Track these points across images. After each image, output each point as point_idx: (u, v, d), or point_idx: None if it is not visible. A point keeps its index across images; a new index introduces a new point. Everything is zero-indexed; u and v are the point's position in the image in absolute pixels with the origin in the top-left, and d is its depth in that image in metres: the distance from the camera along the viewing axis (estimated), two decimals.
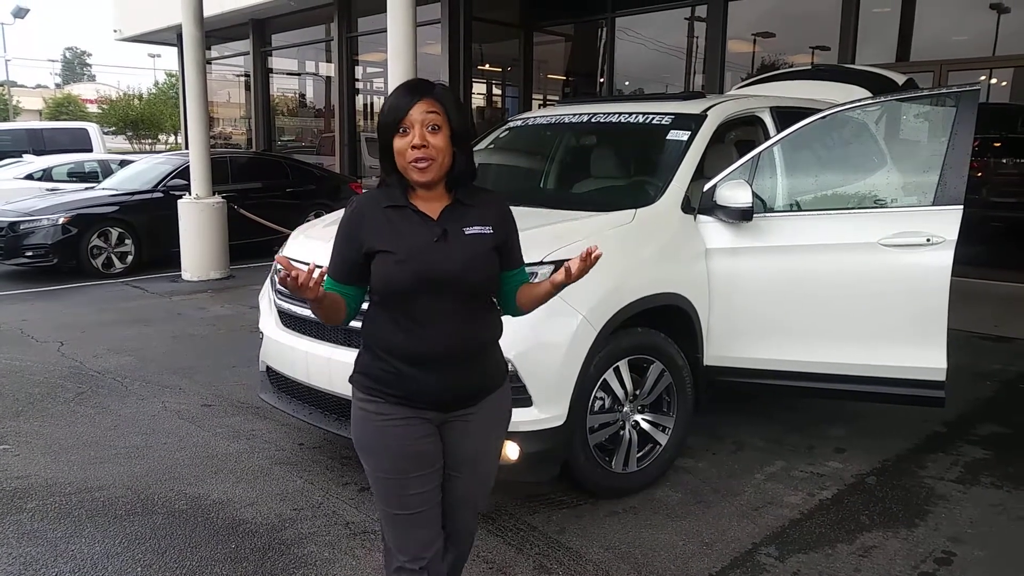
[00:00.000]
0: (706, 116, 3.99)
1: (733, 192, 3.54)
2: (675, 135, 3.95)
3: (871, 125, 3.89)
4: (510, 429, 2.97)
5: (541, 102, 13.01)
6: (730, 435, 4.13)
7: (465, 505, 2.08)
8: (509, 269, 2.02)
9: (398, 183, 1.90)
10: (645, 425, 3.46)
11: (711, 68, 10.16)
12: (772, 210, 3.68)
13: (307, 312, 3.46)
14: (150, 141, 39.23)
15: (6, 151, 12.96)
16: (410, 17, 6.22)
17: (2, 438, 4.08)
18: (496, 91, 14.52)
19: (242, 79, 18.10)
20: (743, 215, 3.54)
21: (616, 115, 4.31)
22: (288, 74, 17.77)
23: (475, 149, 5.07)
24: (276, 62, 17.28)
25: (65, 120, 30.17)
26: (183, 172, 9.38)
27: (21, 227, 8.65)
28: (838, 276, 3.56)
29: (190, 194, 8.81)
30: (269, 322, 3.73)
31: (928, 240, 3.41)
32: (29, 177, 11.17)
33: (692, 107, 4.11)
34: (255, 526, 3.18)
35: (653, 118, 4.13)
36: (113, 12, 18.30)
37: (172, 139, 40.35)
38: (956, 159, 3.43)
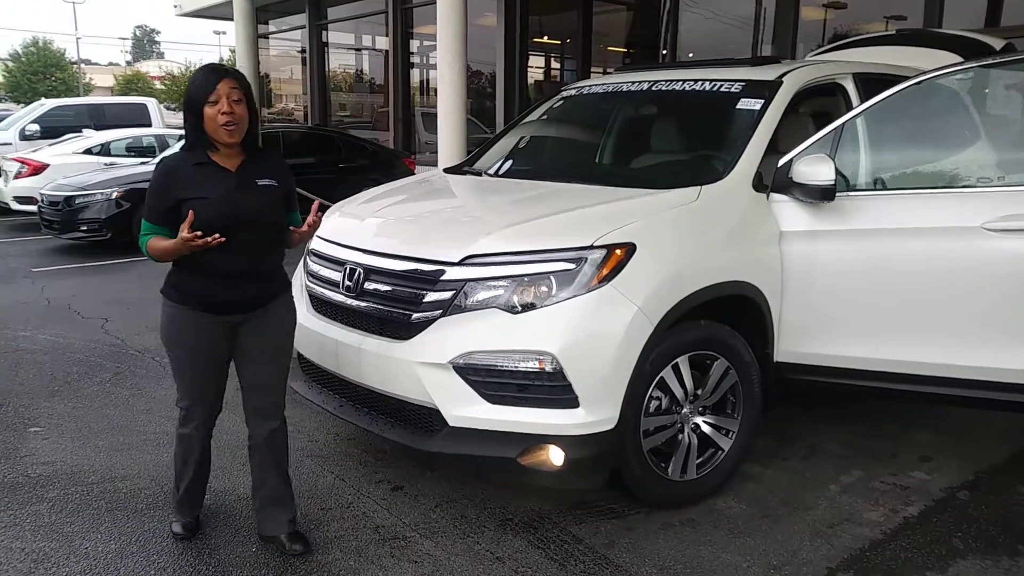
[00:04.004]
0: (781, 82, 3.58)
1: (813, 168, 3.13)
2: (746, 104, 3.55)
3: (971, 93, 3.42)
4: (553, 433, 2.68)
5: (600, 75, 12.51)
6: (802, 438, 3.74)
7: (264, 385, 2.71)
8: (288, 212, 2.65)
9: (203, 145, 2.47)
10: (706, 428, 3.11)
11: (782, 37, 9.53)
12: (857, 188, 3.26)
13: (339, 297, 3.21)
14: None
15: (68, 126, 13.07)
16: None
17: (35, 420, 3.97)
18: (555, 64, 14.05)
19: (302, 55, 17.99)
20: (824, 194, 3.13)
21: (679, 83, 3.91)
22: (345, 48, 17.58)
23: (527, 121, 4.78)
24: (332, 36, 17.10)
25: (133, 96, 30.68)
26: None
27: (76, 201, 8.67)
28: (932, 264, 3.12)
29: None
30: (300, 307, 3.47)
31: None
32: (88, 152, 11.21)
33: (766, 73, 3.70)
34: None
35: (721, 85, 3.73)
36: None
37: None
38: None
